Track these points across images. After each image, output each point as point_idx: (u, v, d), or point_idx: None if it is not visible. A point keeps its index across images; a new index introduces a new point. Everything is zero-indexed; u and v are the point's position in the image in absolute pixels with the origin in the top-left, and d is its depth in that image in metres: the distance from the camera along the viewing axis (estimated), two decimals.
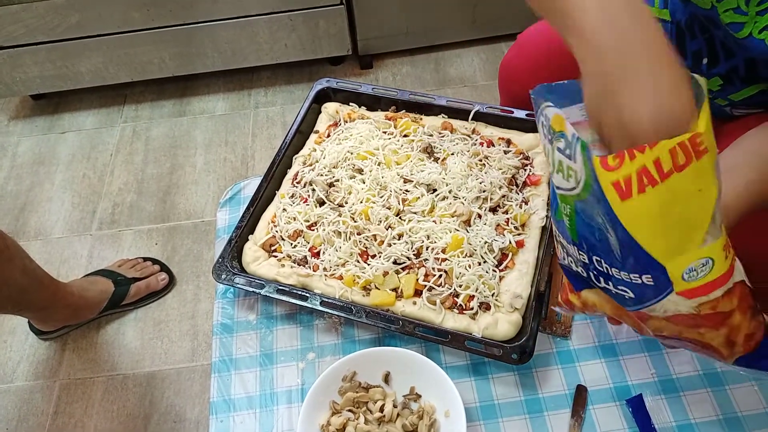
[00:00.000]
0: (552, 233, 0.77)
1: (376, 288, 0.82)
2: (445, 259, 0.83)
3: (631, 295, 0.57)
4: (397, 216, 0.88)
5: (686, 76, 0.52)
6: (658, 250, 0.53)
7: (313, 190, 0.93)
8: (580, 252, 0.60)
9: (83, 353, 1.53)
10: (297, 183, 0.96)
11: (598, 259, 0.58)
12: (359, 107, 1.06)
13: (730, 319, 0.56)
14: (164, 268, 1.64)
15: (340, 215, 0.89)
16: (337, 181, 0.94)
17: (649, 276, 0.55)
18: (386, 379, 0.77)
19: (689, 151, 0.49)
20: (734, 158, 0.66)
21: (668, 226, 0.53)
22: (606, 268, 0.58)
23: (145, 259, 1.65)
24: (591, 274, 0.61)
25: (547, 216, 0.88)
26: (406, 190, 0.91)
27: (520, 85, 1.04)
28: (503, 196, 0.90)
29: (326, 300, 0.81)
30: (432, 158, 0.96)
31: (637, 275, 0.55)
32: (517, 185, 0.92)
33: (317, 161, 0.97)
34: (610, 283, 0.59)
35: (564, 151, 0.55)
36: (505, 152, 0.95)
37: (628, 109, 0.51)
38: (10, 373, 1.51)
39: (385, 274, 0.83)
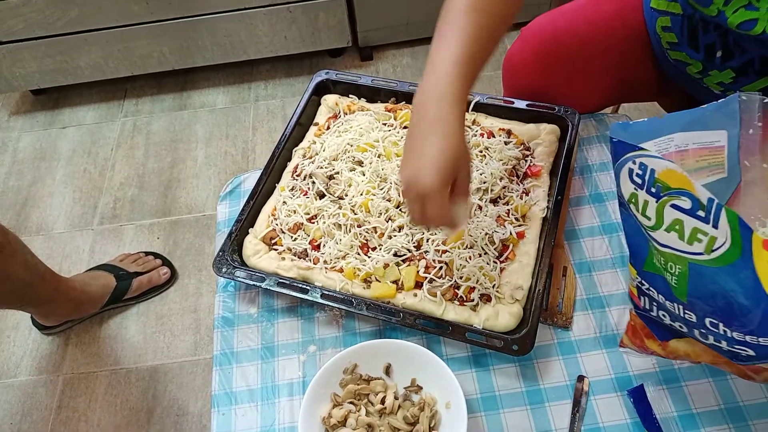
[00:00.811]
0: (547, 231, 0.76)
1: (377, 280, 0.82)
2: (446, 251, 0.83)
3: (751, 353, 0.55)
4: (397, 208, 0.88)
5: (447, 151, 0.65)
6: None
7: (313, 182, 0.93)
8: (686, 311, 0.58)
9: (86, 348, 1.54)
10: (297, 176, 0.96)
11: (714, 321, 0.56)
12: (359, 99, 1.06)
13: None
14: (166, 262, 1.64)
15: (340, 208, 0.89)
16: (337, 173, 0.94)
17: None
18: (387, 371, 0.77)
19: None
20: None
21: None
22: (724, 330, 0.56)
23: (147, 253, 1.65)
24: (695, 331, 0.59)
25: (547, 207, 0.87)
26: None
27: (525, 79, 1.03)
28: (504, 188, 0.89)
29: (327, 293, 0.81)
30: None
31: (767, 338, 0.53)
32: (518, 176, 0.92)
33: (317, 154, 0.97)
34: (724, 342, 0.57)
35: (692, 212, 0.53)
36: (506, 143, 0.95)
37: (401, 168, 0.69)
38: (14, 368, 1.52)
39: (386, 266, 0.82)
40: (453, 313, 0.79)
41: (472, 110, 0.99)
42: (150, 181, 1.90)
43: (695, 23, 0.82)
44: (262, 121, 2.02)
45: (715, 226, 0.52)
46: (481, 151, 0.94)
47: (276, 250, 0.88)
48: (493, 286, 0.80)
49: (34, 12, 1.78)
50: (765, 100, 0.56)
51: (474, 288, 0.80)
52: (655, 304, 0.62)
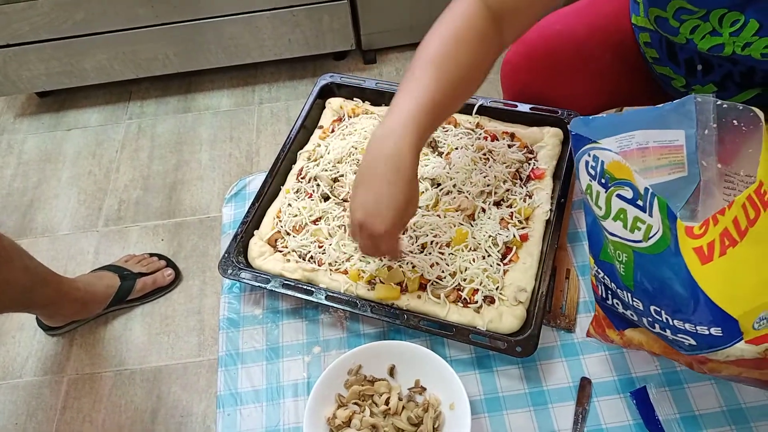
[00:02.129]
0: (551, 234, 0.77)
1: (381, 282, 0.83)
2: (450, 254, 0.83)
3: (692, 342, 0.57)
4: None
5: (403, 199, 0.67)
6: (734, 307, 0.53)
7: (318, 185, 0.94)
8: (634, 299, 0.60)
9: (91, 348, 1.54)
10: (302, 178, 0.96)
11: (657, 309, 0.58)
12: (363, 102, 1.06)
13: None
14: (170, 263, 1.65)
15: (344, 210, 0.90)
16: (342, 176, 0.95)
17: (719, 328, 0.54)
18: (391, 372, 0.78)
19: (756, 203, 0.52)
20: None
21: (743, 282, 0.53)
22: (666, 318, 0.57)
23: (152, 254, 1.66)
24: (643, 319, 0.61)
25: (551, 210, 0.88)
26: None
27: (521, 82, 1.04)
28: (507, 190, 0.90)
29: (331, 294, 0.82)
30: (436, 153, 0.96)
31: (705, 327, 0.55)
32: (521, 179, 0.92)
33: (322, 156, 0.98)
34: (668, 330, 0.58)
35: (633, 201, 0.56)
36: (509, 146, 0.95)
37: (352, 204, 0.71)
38: (19, 369, 1.53)
39: (390, 268, 0.83)
40: (457, 315, 0.79)
41: (475, 113, 1.00)
42: (154, 183, 1.90)
43: (672, 40, 0.83)
44: (266, 124, 2.03)
45: (651, 215, 0.54)
46: (484, 154, 0.94)
47: (281, 251, 0.88)
48: (496, 288, 0.80)
49: (40, 15, 1.79)
50: (718, 103, 0.57)
51: (477, 290, 0.80)
52: (609, 292, 0.64)
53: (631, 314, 0.62)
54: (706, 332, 0.55)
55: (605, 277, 0.64)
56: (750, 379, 0.61)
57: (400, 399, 0.75)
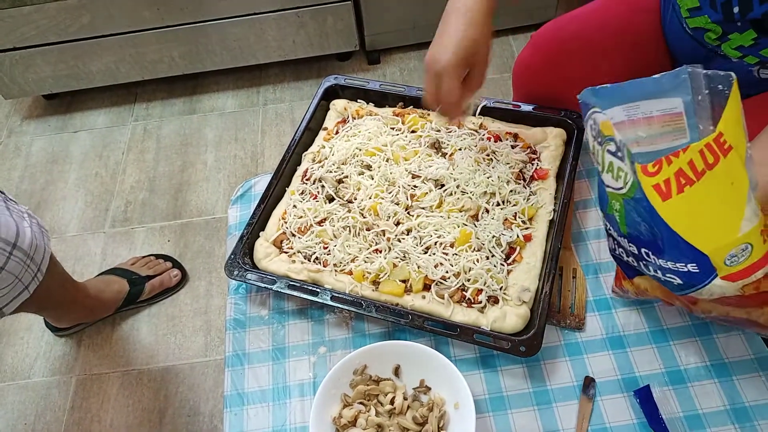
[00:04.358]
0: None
1: (386, 279, 0.83)
2: (454, 254, 0.84)
3: (679, 281, 0.62)
4: (405, 211, 0.89)
5: (467, 36, 0.77)
6: (700, 242, 0.58)
7: (323, 186, 0.94)
8: (630, 244, 0.66)
9: (98, 349, 1.56)
10: (306, 180, 0.97)
11: (647, 251, 0.64)
12: (367, 104, 1.07)
13: None
14: (177, 264, 1.66)
15: (349, 211, 0.90)
16: (346, 177, 0.95)
17: (694, 264, 0.60)
18: (396, 372, 0.78)
19: (716, 150, 0.56)
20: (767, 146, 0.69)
21: (707, 220, 0.58)
22: (654, 259, 0.63)
23: (158, 256, 1.67)
24: (641, 263, 0.67)
25: (554, 210, 0.88)
26: (415, 186, 0.92)
27: (535, 84, 1.04)
28: (511, 191, 0.90)
29: (336, 295, 0.83)
30: (440, 154, 0.96)
31: (683, 264, 0.60)
32: (524, 179, 0.93)
33: (326, 158, 0.98)
34: (659, 272, 0.64)
35: (615, 153, 0.62)
36: (513, 147, 0.96)
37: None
38: (28, 369, 1.54)
39: (394, 265, 0.84)
40: (461, 315, 0.80)
41: (479, 114, 1.01)
42: (161, 184, 1.92)
43: None
44: (271, 125, 2.04)
45: (625, 162, 0.61)
46: (488, 155, 0.95)
47: (286, 253, 0.89)
48: (500, 288, 0.81)
49: (47, 18, 1.80)
50: (706, 73, 0.61)
51: (481, 290, 0.81)
52: (615, 243, 0.71)
53: (633, 261, 0.68)
54: (685, 269, 0.60)
55: (611, 228, 0.70)
56: (741, 320, 0.65)
57: (405, 398, 0.76)
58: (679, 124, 0.64)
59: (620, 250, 0.70)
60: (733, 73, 0.58)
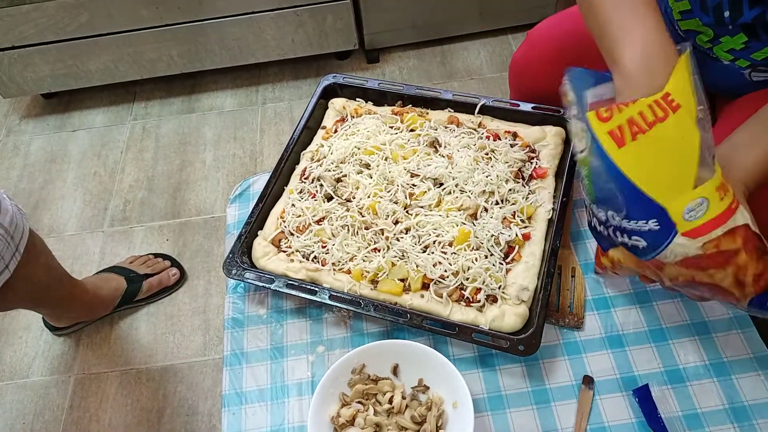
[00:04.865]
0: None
1: (385, 278, 0.83)
2: (453, 253, 0.84)
3: (644, 243, 0.64)
4: (404, 210, 0.89)
5: None
6: (656, 191, 0.60)
7: (321, 185, 0.94)
8: (599, 209, 0.68)
9: (97, 348, 1.55)
10: (305, 179, 0.97)
11: (612, 213, 0.66)
12: (366, 102, 1.07)
13: (735, 257, 0.60)
14: (175, 263, 1.66)
15: (348, 210, 0.90)
16: (345, 176, 0.95)
17: (655, 220, 0.61)
18: (395, 371, 0.78)
19: (664, 106, 0.58)
20: (755, 130, 0.70)
21: (661, 169, 0.60)
22: (619, 221, 0.65)
23: (156, 255, 1.67)
24: (609, 231, 0.68)
25: (553, 209, 0.88)
26: (413, 185, 0.92)
27: (530, 82, 1.04)
28: (510, 190, 0.90)
29: (335, 294, 0.82)
30: (438, 152, 0.96)
31: (644, 221, 0.62)
32: (523, 178, 0.93)
33: (325, 157, 0.98)
34: (626, 235, 0.65)
35: (578, 116, 0.65)
36: (512, 145, 0.96)
37: None
38: (26, 369, 1.54)
39: (393, 265, 0.84)
40: (459, 314, 0.79)
41: (477, 113, 1.00)
42: (159, 183, 1.91)
43: None
44: (270, 124, 2.04)
45: (582, 120, 0.64)
46: (486, 154, 0.94)
47: (285, 252, 0.89)
48: (499, 287, 0.81)
49: (45, 17, 1.80)
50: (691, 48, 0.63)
51: (480, 289, 0.81)
52: (590, 213, 0.72)
53: (603, 229, 0.69)
54: (647, 227, 0.62)
55: (586, 198, 0.71)
56: (707, 286, 0.63)
57: (403, 398, 0.75)
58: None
59: (594, 220, 0.71)
60: (687, 44, 0.62)
